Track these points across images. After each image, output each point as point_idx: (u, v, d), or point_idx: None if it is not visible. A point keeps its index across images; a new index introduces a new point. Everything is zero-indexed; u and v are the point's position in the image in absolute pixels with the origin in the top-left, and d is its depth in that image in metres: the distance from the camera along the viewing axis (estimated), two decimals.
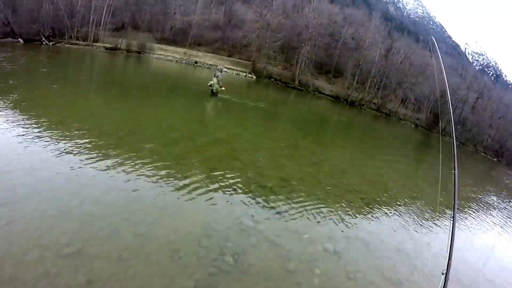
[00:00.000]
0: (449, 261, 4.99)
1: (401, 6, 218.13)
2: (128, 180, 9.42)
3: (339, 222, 10.17)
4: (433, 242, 10.95)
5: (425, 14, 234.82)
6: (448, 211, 14.24)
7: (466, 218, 15.09)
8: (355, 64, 62.38)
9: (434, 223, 12.49)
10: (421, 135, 50.87)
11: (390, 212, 12.15)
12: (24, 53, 32.35)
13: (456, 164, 5.64)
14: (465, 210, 16.01)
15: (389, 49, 66.12)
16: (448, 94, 7.10)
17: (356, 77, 61.25)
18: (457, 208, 15.08)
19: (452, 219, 5.42)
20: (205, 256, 6.91)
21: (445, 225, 12.57)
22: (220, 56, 64.88)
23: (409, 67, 61.69)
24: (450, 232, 5.23)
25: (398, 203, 13.41)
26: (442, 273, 4.96)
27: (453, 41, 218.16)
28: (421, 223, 12.05)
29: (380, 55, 62.69)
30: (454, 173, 5.65)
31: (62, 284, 5.49)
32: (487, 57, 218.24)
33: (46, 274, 5.61)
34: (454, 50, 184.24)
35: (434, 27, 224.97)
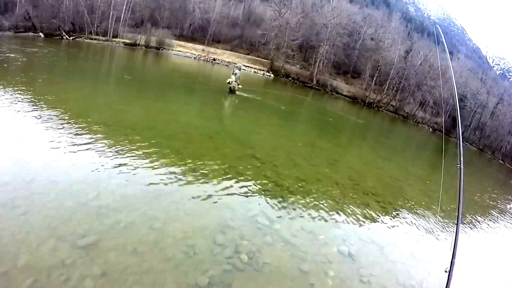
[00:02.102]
0: (453, 259, 4.99)
1: (421, 7, 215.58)
2: (145, 175, 9.47)
3: (355, 225, 10.05)
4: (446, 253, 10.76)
5: (446, 15, 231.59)
6: (465, 221, 14.01)
7: (480, 224, 14.81)
8: (373, 65, 61.74)
9: (451, 231, 12.25)
10: (439, 139, 50.15)
11: (406, 217, 11.93)
12: (45, 47, 32.86)
13: (462, 159, 5.66)
14: (478, 217, 15.69)
15: (408, 51, 65.34)
16: (454, 86, 7.04)
17: (375, 79, 60.62)
18: (473, 216, 14.88)
19: (456, 217, 5.42)
20: (220, 253, 6.88)
21: (464, 237, 12.35)
22: (238, 54, 65.01)
23: (429, 69, 60.76)
24: (455, 230, 5.18)
25: (414, 208, 13.17)
26: (446, 271, 4.95)
27: (474, 44, 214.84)
28: (437, 230, 11.83)
29: (399, 57, 61.94)
30: (460, 167, 5.67)
31: (76, 274, 5.51)
32: (508, 61, 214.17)
33: (61, 264, 5.64)
34: (474, 54, 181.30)
35: (454, 29, 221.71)
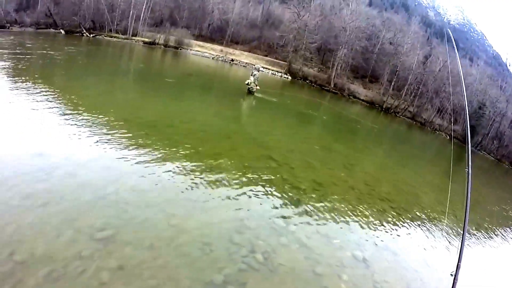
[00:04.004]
0: (459, 263, 4.99)
1: (441, 11, 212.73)
2: (164, 172, 9.58)
3: (370, 230, 9.98)
4: (467, 261, 10.61)
5: (466, 21, 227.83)
6: (480, 232, 13.80)
7: (493, 233, 14.55)
8: (392, 70, 60.98)
9: (467, 243, 12.06)
10: (456, 147, 49.27)
11: (420, 225, 11.77)
12: (66, 43, 33.42)
13: (470, 163, 5.67)
14: (489, 225, 15.42)
15: (427, 56, 64.51)
16: (464, 88, 6.97)
17: (392, 84, 59.89)
18: (485, 224, 14.64)
19: (463, 221, 5.46)
20: (236, 252, 6.92)
21: (474, 244, 12.24)
22: (256, 55, 65.12)
23: (448, 75, 59.81)
24: (462, 234, 5.17)
25: (429, 216, 12.97)
26: (451, 275, 4.95)
27: (494, 50, 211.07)
28: (452, 240, 11.64)
29: (418, 62, 61.12)
30: (468, 171, 5.66)
31: (93, 266, 5.59)
32: None
33: (78, 256, 5.74)
34: (494, 60, 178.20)
35: (475, 34, 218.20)
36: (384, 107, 56.55)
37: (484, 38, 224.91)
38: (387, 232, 10.30)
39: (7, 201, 6.59)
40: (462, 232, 5.29)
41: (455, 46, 8.03)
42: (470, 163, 5.68)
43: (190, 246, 6.70)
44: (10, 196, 6.74)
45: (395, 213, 11.90)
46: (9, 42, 27.85)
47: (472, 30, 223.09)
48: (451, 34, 8.08)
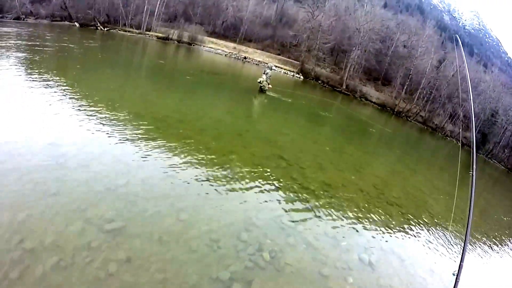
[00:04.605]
0: (461, 263, 5.02)
1: (456, 15, 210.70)
2: (175, 166, 9.64)
3: (377, 234, 9.91)
4: (475, 273, 10.51)
5: (481, 26, 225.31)
6: (484, 239, 13.63)
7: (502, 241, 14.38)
8: (405, 73, 60.46)
9: (478, 253, 11.93)
10: (467, 154, 48.67)
11: (429, 232, 11.63)
12: (83, 37, 33.71)
13: (474, 166, 5.75)
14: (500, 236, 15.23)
15: (441, 61, 63.87)
16: (470, 88, 6.94)
17: (405, 87, 59.39)
18: (495, 236, 14.47)
19: (467, 223, 5.43)
20: (243, 250, 6.94)
21: (478, 249, 12.08)
22: (269, 53, 65.05)
23: (461, 81, 59.03)
24: (465, 235, 5.22)
25: (438, 223, 12.81)
26: (453, 274, 4.98)
27: (509, 57, 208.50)
28: (458, 250, 11.51)
29: (432, 66, 60.52)
30: (472, 174, 5.76)
31: (101, 257, 5.65)
32: None
33: (87, 246, 5.80)
34: (509, 68, 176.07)
35: (489, 40, 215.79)
36: (395, 110, 56.08)
37: (500, 44, 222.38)
38: (394, 237, 10.23)
39: (19, 189, 6.66)
40: (465, 233, 5.26)
41: (463, 54, 7.99)
42: (475, 166, 5.75)
43: (198, 242, 6.72)
44: (22, 184, 6.81)
45: (403, 218, 11.80)
46: (29, 33, 28.12)
47: (487, 36, 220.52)
48: (459, 40, 8.02)
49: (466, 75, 6.95)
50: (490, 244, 13.23)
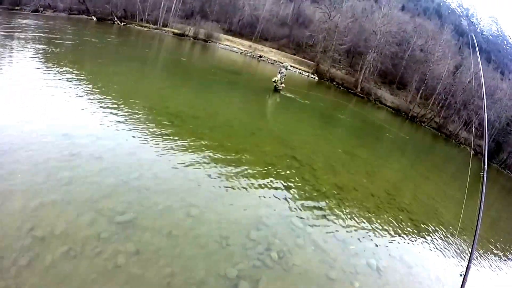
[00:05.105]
0: (469, 264, 4.99)
1: (475, 21, 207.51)
2: (187, 162, 9.68)
3: (386, 240, 9.83)
4: (482, 275, 10.38)
5: (500, 32, 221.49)
6: (492, 249, 13.43)
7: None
8: (420, 78, 59.79)
9: (488, 264, 11.76)
10: (480, 163, 47.80)
11: (439, 240, 11.46)
12: (98, 30, 34.05)
13: (485, 167, 5.77)
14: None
15: (458, 66, 63.03)
16: (484, 97, 6.89)
17: (420, 92, 58.70)
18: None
19: (476, 223, 5.38)
20: (252, 248, 6.93)
21: (493, 261, 11.90)
22: (285, 53, 64.74)
23: (477, 88, 57.98)
24: (473, 235, 5.21)
25: (448, 232, 12.65)
26: (461, 275, 4.97)
27: None
28: (466, 258, 11.33)
29: (448, 71, 59.72)
30: (483, 175, 5.77)
31: (110, 248, 5.69)
32: None
33: (96, 237, 5.85)
34: None
35: (508, 47, 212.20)
36: (410, 115, 55.44)
37: None
38: (403, 243, 10.13)
39: (31, 177, 6.73)
40: (474, 234, 5.22)
41: (478, 55, 7.88)
42: (485, 167, 5.76)
43: (207, 238, 6.73)
44: (35, 173, 6.89)
45: (413, 225, 11.67)
46: (47, 26, 28.48)
47: (505, 43, 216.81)
48: (474, 39, 7.90)
49: (480, 79, 6.84)
50: (497, 252, 13.07)
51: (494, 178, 39.20)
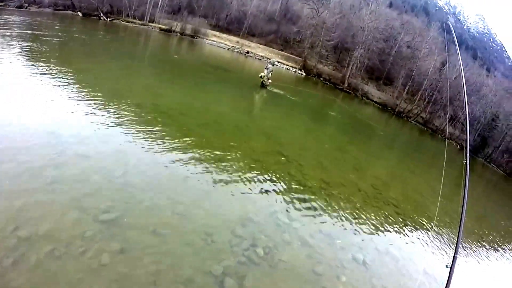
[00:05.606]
0: (455, 255, 5.03)
1: (462, 18, 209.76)
2: (174, 159, 9.65)
3: (372, 234, 9.93)
4: (469, 276, 10.54)
5: (486, 30, 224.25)
6: (478, 241, 13.68)
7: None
8: (407, 74, 60.31)
9: (476, 258, 11.95)
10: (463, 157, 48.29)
11: (425, 234, 11.61)
12: (84, 26, 33.65)
13: (468, 155, 5.77)
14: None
15: (444, 63, 63.63)
16: (463, 79, 7.09)
17: (407, 88, 59.23)
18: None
19: (460, 215, 5.45)
20: (238, 245, 6.94)
21: (482, 260, 12.05)
22: (272, 49, 64.73)
23: (462, 82, 58.31)
24: (458, 226, 5.26)
25: (435, 226, 12.80)
26: (447, 266, 5.01)
27: None
28: (452, 251, 11.49)
29: (435, 68, 60.32)
30: (466, 162, 5.78)
31: (95, 247, 5.65)
32: None
33: (81, 236, 5.80)
34: None
35: (494, 45, 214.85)
36: (396, 110, 56.01)
37: (503, 49, 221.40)
38: (389, 237, 10.26)
39: (16, 177, 6.65)
40: (458, 225, 5.30)
41: (456, 43, 7.93)
42: (468, 155, 5.78)
43: (193, 235, 6.73)
44: (19, 172, 6.80)
45: (399, 219, 11.81)
46: (32, 22, 27.95)
47: (491, 40, 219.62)
48: (451, 27, 7.96)
49: (460, 65, 6.95)
50: (483, 244, 13.37)
51: (480, 173, 39.79)
